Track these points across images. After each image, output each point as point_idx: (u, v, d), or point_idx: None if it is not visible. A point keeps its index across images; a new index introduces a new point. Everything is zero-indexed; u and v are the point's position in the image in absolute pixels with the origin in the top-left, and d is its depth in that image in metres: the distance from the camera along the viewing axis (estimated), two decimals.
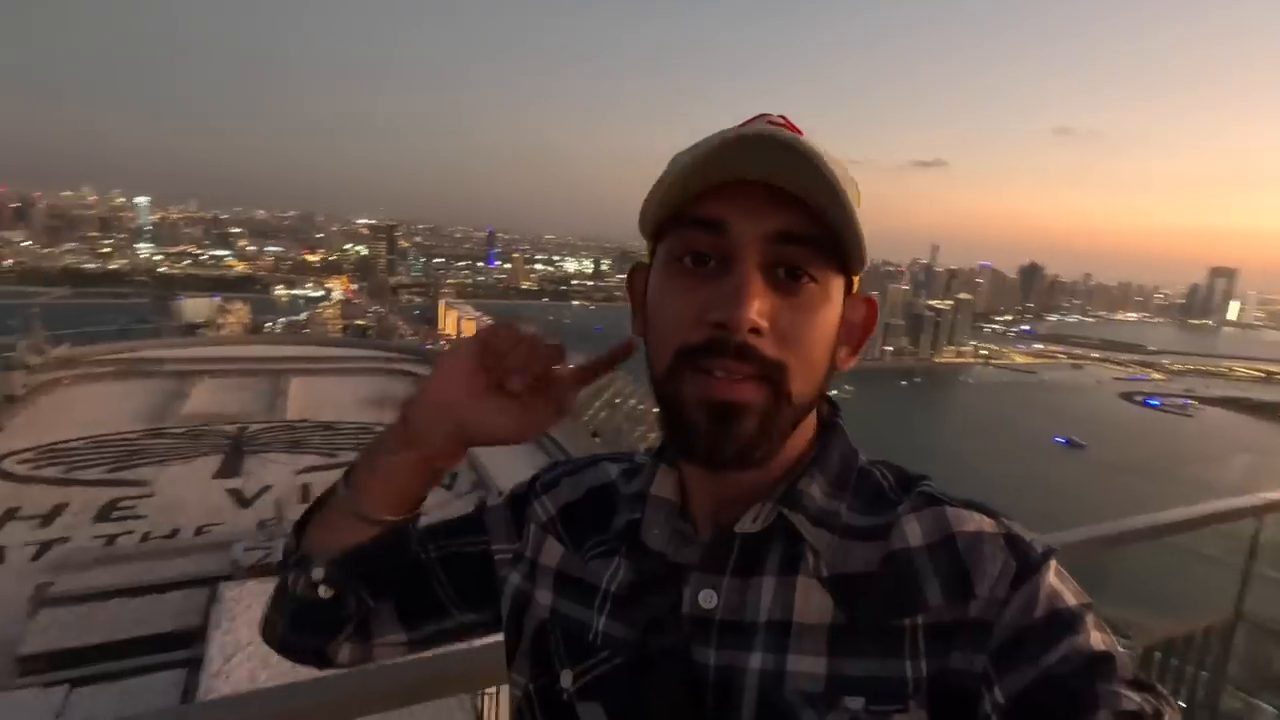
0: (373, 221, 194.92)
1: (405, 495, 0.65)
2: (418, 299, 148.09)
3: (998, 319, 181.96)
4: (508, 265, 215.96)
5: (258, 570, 13.10)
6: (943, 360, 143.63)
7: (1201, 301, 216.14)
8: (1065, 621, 0.49)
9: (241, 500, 17.71)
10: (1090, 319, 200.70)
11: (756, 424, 0.52)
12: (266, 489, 18.80)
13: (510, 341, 0.59)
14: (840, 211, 0.50)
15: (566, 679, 0.60)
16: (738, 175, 0.50)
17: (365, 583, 0.66)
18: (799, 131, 0.53)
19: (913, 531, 0.55)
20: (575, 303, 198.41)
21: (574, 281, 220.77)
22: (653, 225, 0.56)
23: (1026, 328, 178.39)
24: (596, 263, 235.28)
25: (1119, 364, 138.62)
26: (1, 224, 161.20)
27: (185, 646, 10.99)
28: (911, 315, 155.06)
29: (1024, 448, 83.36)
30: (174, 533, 15.38)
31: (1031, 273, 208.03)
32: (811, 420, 0.60)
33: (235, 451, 20.80)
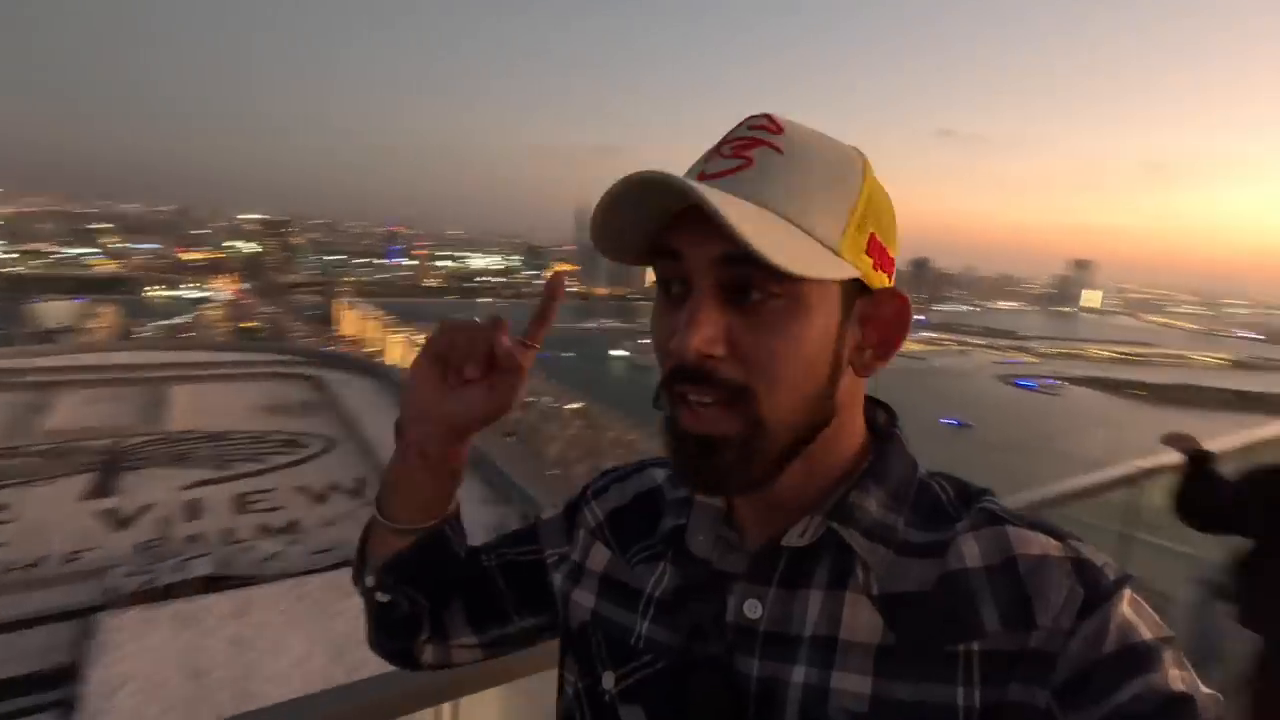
0: (262, 217, 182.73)
1: (426, 500, 0.67)
2: (313, 298, 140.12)
3: None
4: (411, 262, 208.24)
5: (141, 596, 12.02)
6: None
7: (1064, 290, 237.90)
8: (1139, 657, 0.46)
9: (117, 522, 16.17)
10: (973, 308, 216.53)
11: (735, 454, 0.52)
12: (147, 508, 17.27)
13: (450, 335, 0.61)
14: (763, 251, 0.46)
15: (608, 680, 0.61)
16: (681, 203, 0.50)
17: (415, 586, 0.69)
18: (779, 130, 0.52)
19: (970, 551, 0.52)
20: (483, 300, 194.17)
21: (480, 278, 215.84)
22: (628, 254, 0.57)
23: (921, 318, 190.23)
24: (505, 259, 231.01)
25: (997, 349, 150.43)
26: None
27: (54, 688, 9.95)
28: None
29: (918, 430, 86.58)
30: (38, 562, 13.85)
31: (922, 265, 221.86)
32: (848, 432, 0.58)
33: (109, 469, 18.96)
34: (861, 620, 0.52)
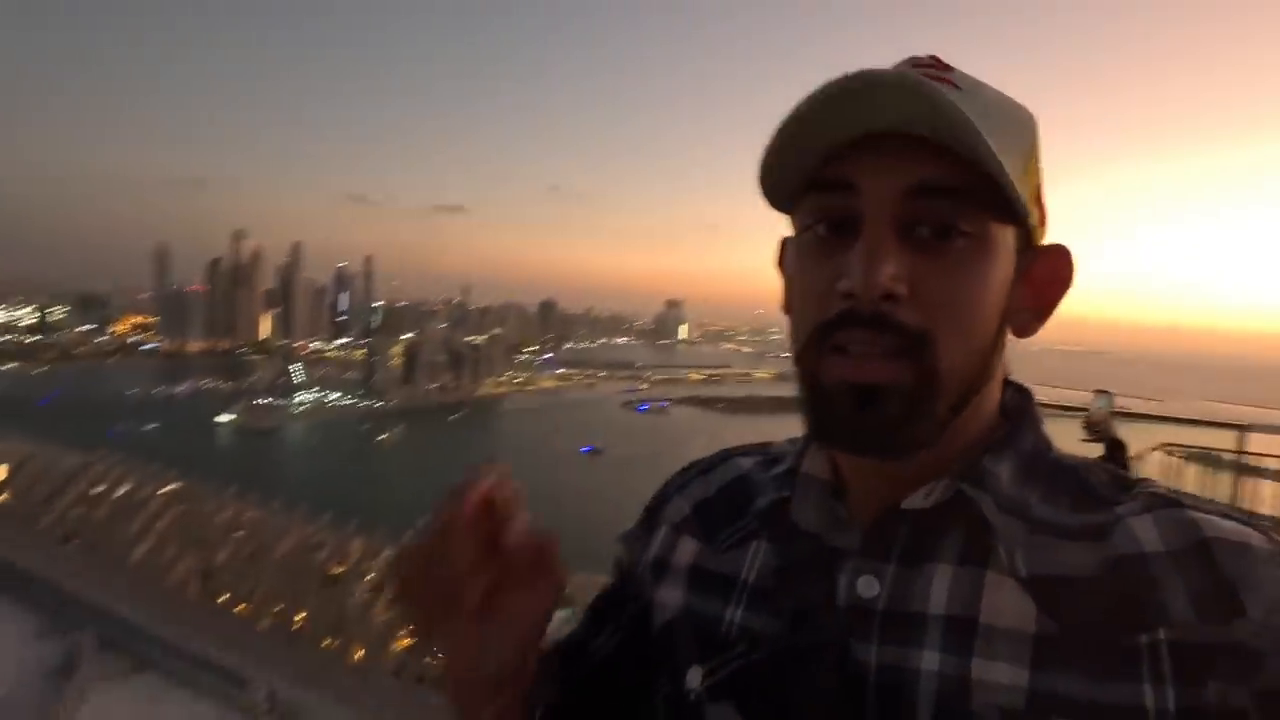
0: None
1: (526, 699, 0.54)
2: None
3: (527, 350, 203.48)
4: None
5: None
6: (485, 392, 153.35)
7: (663, 325, 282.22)
8: None
9: None
10: (594, 345, 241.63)
11: (902, 407, 0.45)
12: None
13: (414, 565, 0.50)
14: (991, 154, 0.42)
15: (694, 677, 0.53)
16: (864, 127, 0.44)
17: None
18: (949, 68, 0.47)
19: (1147, 535, 0.46)
20: (7, 366, 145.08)
21: (4, 337, 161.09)
22: (780, 195, 0.50)
23: (549, 355, 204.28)
24: (42, 312, 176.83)
25: (618, 379, 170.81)
26: None
27: None
28: (452, 351, 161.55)
29: (561, 460, 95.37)
30: None
31: (549, 308, 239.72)
32: (990, 400, 0.52)
33: None
34: (1007, 603, 0.46)
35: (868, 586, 0.49)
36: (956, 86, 0.45)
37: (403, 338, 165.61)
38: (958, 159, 0.43)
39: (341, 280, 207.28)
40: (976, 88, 0.47)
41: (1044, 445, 0.53)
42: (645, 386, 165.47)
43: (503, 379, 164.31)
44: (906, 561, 0.49)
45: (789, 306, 0.53)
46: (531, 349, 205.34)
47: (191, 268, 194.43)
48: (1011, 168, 0.44)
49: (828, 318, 0.46)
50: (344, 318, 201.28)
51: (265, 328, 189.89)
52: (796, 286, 0.50)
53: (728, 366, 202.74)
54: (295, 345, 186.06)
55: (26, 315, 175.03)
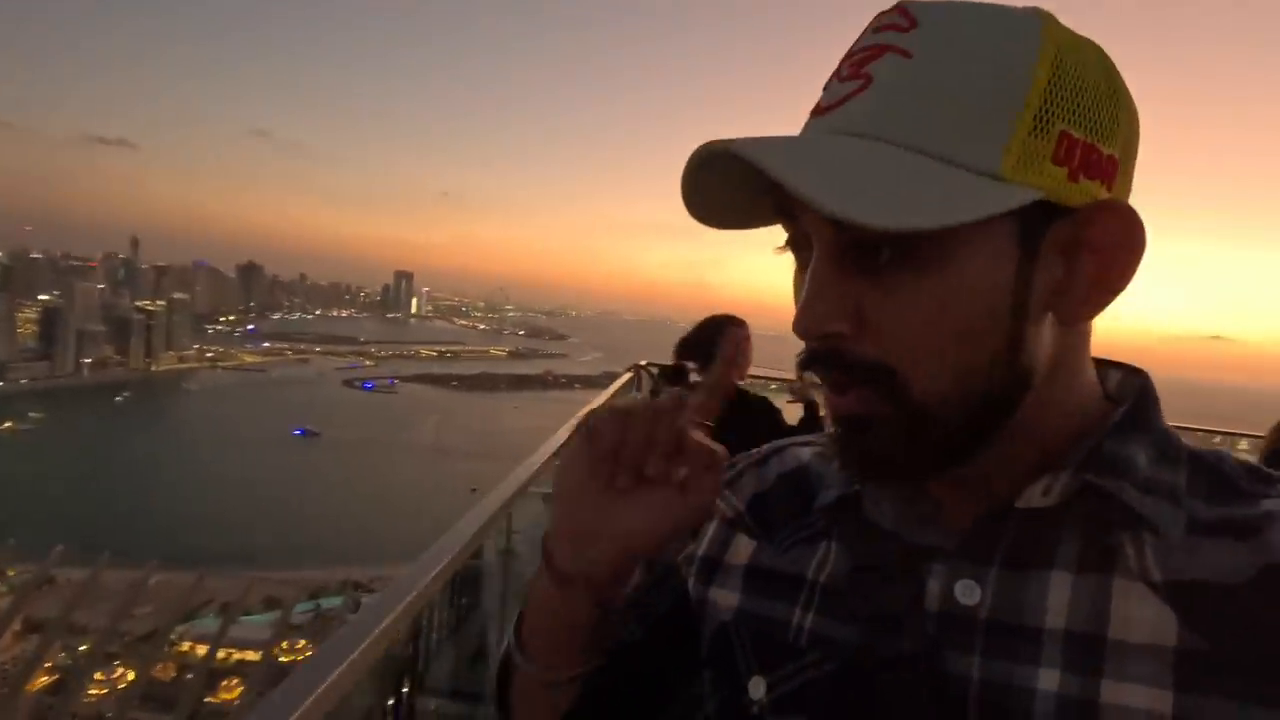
0: None
1: (589, 642, 0.50)
2: None
3: (221, 319, 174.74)
4: None
5: None
6: (163, 368, 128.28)
7: (393, 298, 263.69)
8: None
9: None
10: (309, 316, 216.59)
11: (894, 436, 0.41)
12: None
13: (623, 425, 0.46)
14: (866, 180, 0.38)
15: (757, 688, 0.48)
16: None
17: None
18: (913, 23, 0.40)
19: None
20: None
21: None
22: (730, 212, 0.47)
23: (252, 327, 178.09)
24: None
25: (338, 355, 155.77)
26: None
27: None
28: (116, 319, 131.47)
29: (266, 445, 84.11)
30: None
31: (251, 272, 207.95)
32: (1077, 394, 0.45)
33: None
34: (1141, 614, 0.40)
35: (967, 592, 0.43)
36: (907, 56, 0.39)
37: (40, 299, 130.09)
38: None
39: None
40: (944, 44, 0.39)
41: (1172, 433, 0.46)
42: (371, 364, 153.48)
43: (188, 353, 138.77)
44: (1013, 565, 0.43)
45: None
46: (228, 319, 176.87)
47: None
48: (980, 151, 0.38)
49: (801, 355, 0.44)
50: None
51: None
52: None
53: (462, 343, 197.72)
54: None
55: None
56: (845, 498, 0.51)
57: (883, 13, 0.43)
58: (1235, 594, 0.39)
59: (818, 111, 0.43)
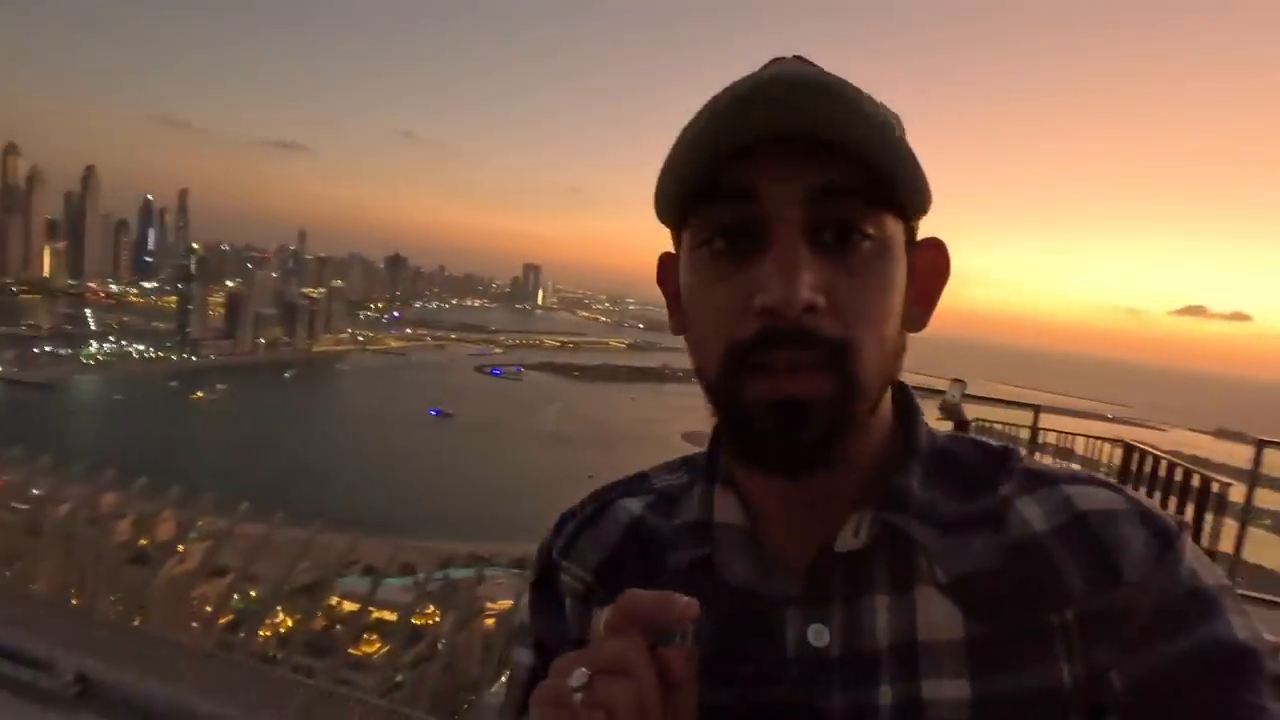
0: None
1: None
2: None
3: (371, 306, 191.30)
4: None
5: None
6: (322, 349, 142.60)
7: (521, 290, 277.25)
8: (1202, 604, 0.44)
9: None
10: (446, 305, 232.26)
11: (829, 418, 0.43)
12: None
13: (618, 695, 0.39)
14: (892, 152, 0.42)
15: None
16: (759, 133, 0.42)
17: None
18: (817, 69, 0.46)
19: (1033, 514, 0.47)
20: None
21: None
22: (671, 207, 0.48)
23: (396, 314, 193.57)
24: None
25: (470, 342, 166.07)
26: None
27: None
28: (285, 304, 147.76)
29: (405, 423, 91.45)
30: None
31: (397, 263, 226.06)
32: (887, 403, 0.50)
33: None
34: (937, 615, 0.46)
35: (818, 635, 0.47)
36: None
37: (225, 285, 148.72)
38: (854, 159, 0.42)
39: (149, 215, 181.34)
40: (844, 83, 0.43)
41: (931, 436, 0.52)
42: (499, 351, 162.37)
43: (343, 336, 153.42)
44: (848, 601, 0.47)
45: (684, 326, 0.50)
46: (377, 306, 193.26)
47: None
48: (911, 163, 0.44)
49: (744, 337, 0.43)
50: (151, 259, 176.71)
51: (46, 264, 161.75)
52: (699, 305, 0.47)
53: (584, 334, 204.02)
54: (89, 287, 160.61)
55: None
56: (696, 561, 0.52)
57: (781, 58, 0.48)
58: (995, 577, 0.45)
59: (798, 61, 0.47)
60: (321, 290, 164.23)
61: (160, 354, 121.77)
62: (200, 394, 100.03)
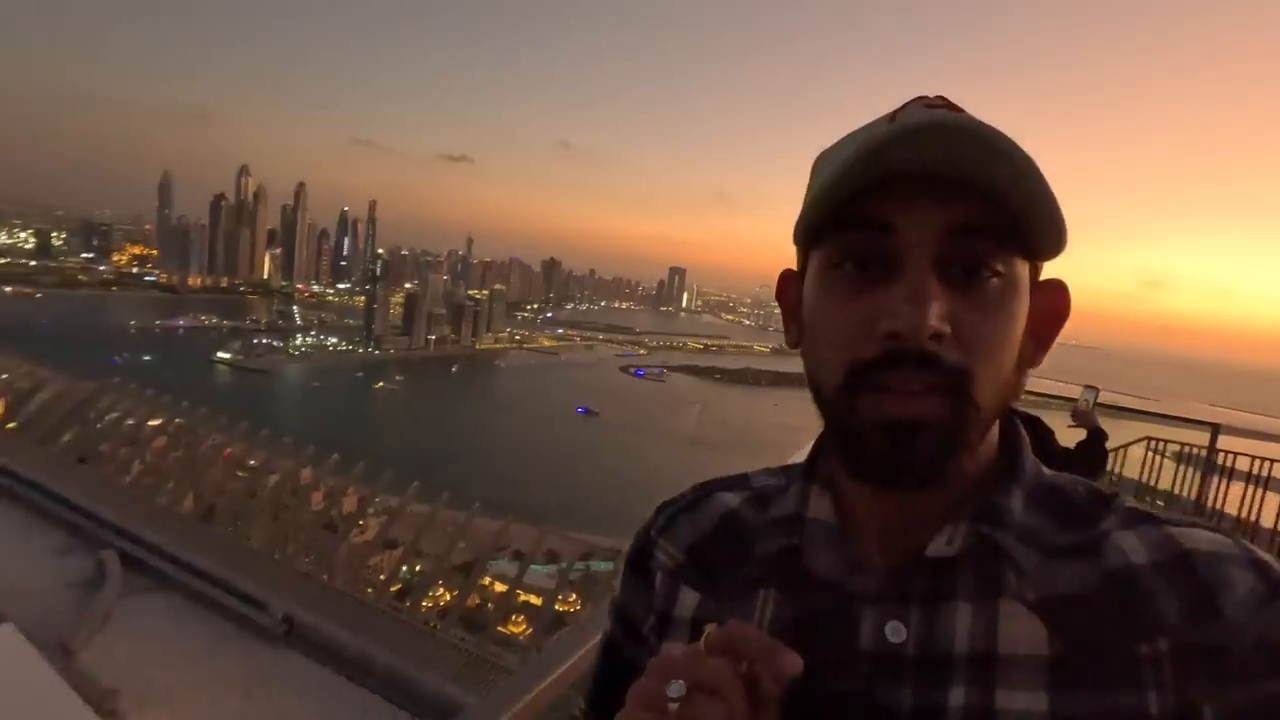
0: None
1: None
2: None
3: (527, 307, 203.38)
4: None
5: None
6: (484, 346, 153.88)
7: (666, 293, 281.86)
8: None
9: None
10: (596, 307, 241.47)
11: (940, 440, 0.45)
12: None
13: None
14: (1027, 195, 0.44)
15: None
16: (901, 169, 0.44)
17: None
18: (961, 111, 0.47)
19: (1133, 548, 0.48)
20: (7, 289, 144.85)
21: (2, 260, 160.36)
22: (805, 230, 0.50)
23: (549, 315, 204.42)
24: (43, 237, 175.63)
25: (617, 343, 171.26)
26: None
27: None
28: (453, 304, 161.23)
29: (555, 418, 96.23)
30: None
31: (551, 267, 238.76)
32: (994, 433, 0.52)
33: None
34: (1021, 630, 0.47)
35: (895, 632, 0.49)
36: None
37: (404, 287, 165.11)
38: (989, 197, 0.44)
39: (345, 224, 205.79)
40: (996, 131, 0.44)
41: (1038, 467, 0.54)
42: (644, 352, 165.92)
43: (502, 335, 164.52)
44: (928, 603, 0.49)
45: (798, 341, 0.53)
46: (532, 307, 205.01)
47: (194, 200, 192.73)
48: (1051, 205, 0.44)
49: (868, 357, 0.45)
50: (345, 263, 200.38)
51: (267, 268, 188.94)
52: (825, 324, 0.49)
53: (727, 338, 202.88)
54: (297, 288, 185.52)
55: (26, 239, 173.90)
56: (785, 550, 0.55)
57: (926, 97, 0.49)
58: (1086, 602, 0.47)
59: (940, 105, 0.47)
60: (484, 292, 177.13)
61: (350, 347, 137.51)
62: (381, 384, 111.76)
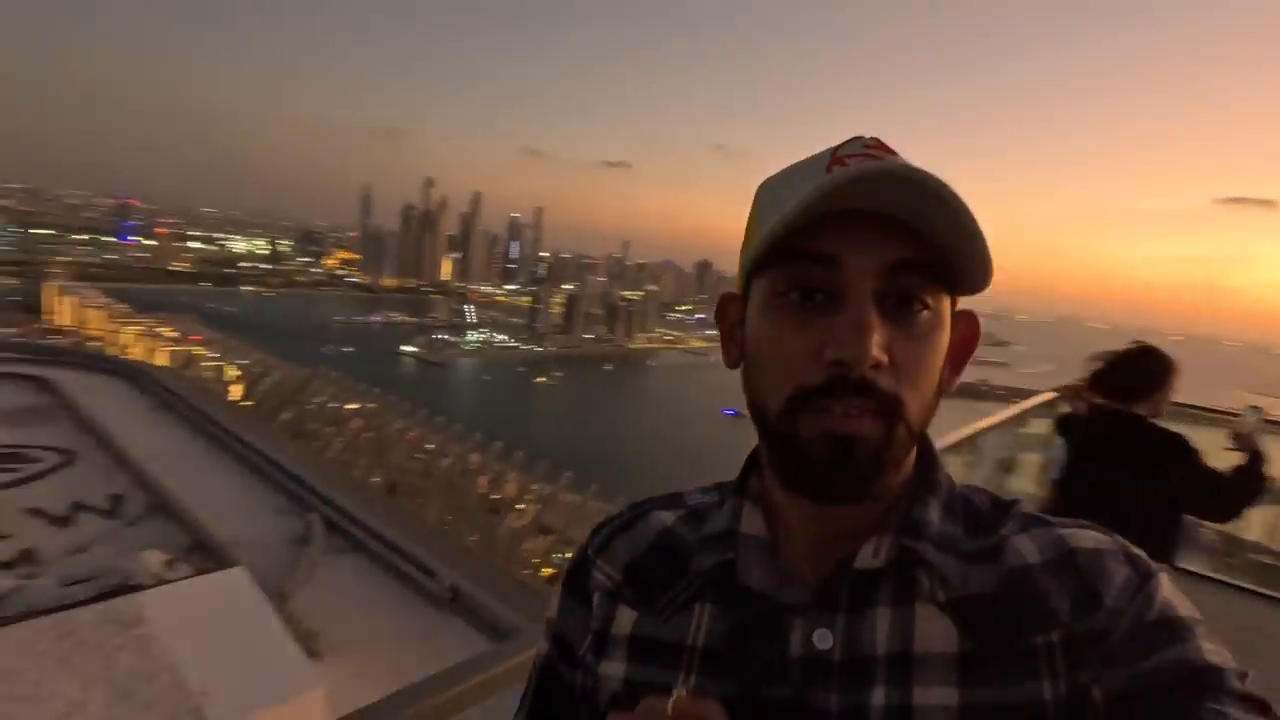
0: None
1: None
2: (10, 281, 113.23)
3: (679, 308, 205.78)
4: (150, 242, 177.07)
5: None
6: (636, 346, 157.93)
7: None
8: (1176, 630, 0.49)
9: None
10: None
11: (874, 456, 0.50)
12: None
13: None
14: (962, 236, 0.48)
15: None
16: (848, 207, 0.48)
17: None
18: (895, 154, 0.52)
19: (1028, 549, 0.54)
20: (246, 288, 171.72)
21: (243, 264, 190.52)
22: (752, 258, 0.53)
23: (700, 316, 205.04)
24: (273, 244, 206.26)
25: None
26: None
27: None
28: (608, 305, 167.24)
29: (702, 419, 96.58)
30: None
31: (704, 268, 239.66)
32: (913, 450, 0.56)
33: None
34: (935, 631, 0.51)
35: (822, 639, 0.52)
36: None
37: (564, 288, 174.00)
38: (923, 238, 0.48)
39: (513, 230, 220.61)
40: (933, 176, 0.48)
41: (950, 481, 0.59)
42: None
43: (654, 335, 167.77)
44: (853, 611, 0.53)
45: (737, 361, 0.57)
46: (684, 308, 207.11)
47: (389, 210, 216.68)
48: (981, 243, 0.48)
49: (813, 383, 0.49)
50: (513, 265, 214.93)
51: (446, 270, 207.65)
52: (770, 349, 0.52)
53: None
54: (470, 288, 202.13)
55: (259, 246, 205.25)
56: (719, 565, 0.58)
57: (863, 138, 0.53)
58: (989, 602, 0.52)
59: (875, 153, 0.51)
60: (638, 293, 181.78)
61: (515, 344, 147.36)
62: (541, 378, 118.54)
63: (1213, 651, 0.48)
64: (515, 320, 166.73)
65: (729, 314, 0.59)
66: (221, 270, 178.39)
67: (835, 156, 0.51)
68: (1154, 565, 0.53)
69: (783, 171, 0.54)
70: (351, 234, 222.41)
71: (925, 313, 0.50)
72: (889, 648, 0.51)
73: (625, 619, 0.61)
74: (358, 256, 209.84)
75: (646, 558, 0.63)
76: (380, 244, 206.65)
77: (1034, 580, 0.52)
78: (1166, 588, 0.52)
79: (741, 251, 0.55)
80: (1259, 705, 0.45)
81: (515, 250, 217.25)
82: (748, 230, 0.55)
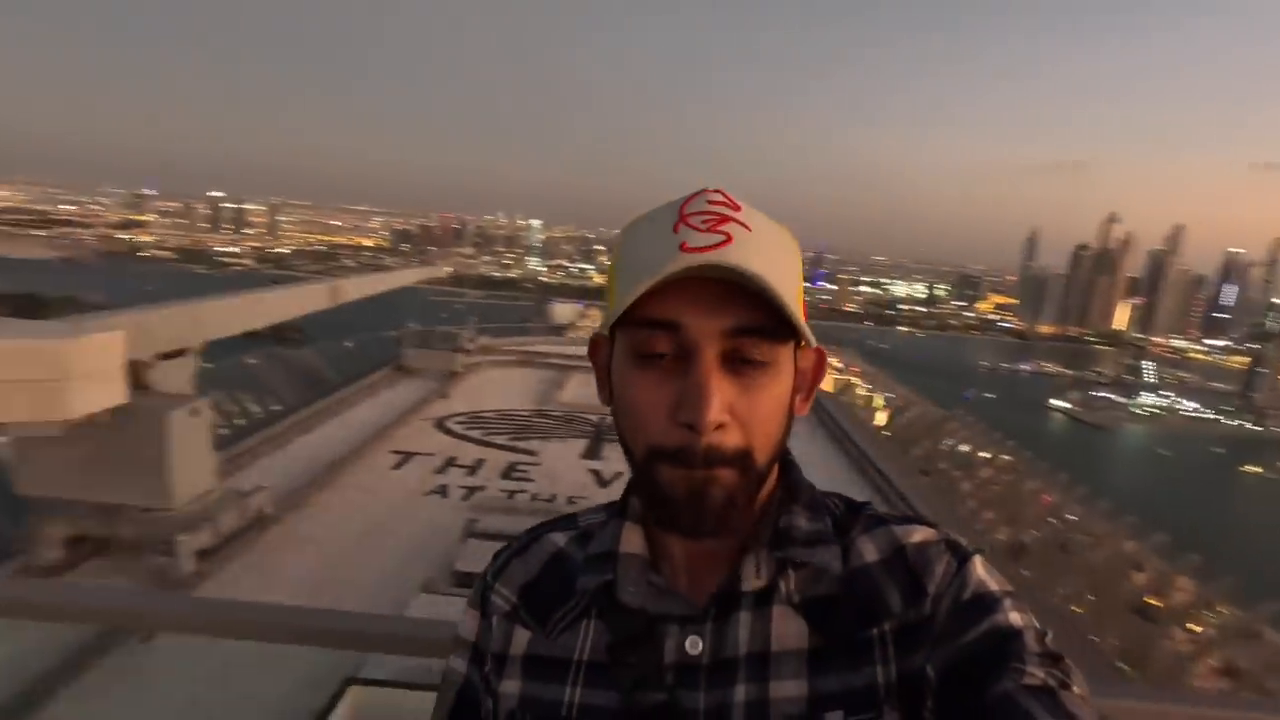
0: None
1: None
2: None
3: None
4: (832, 286, 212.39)
5: None
6: None
7: None
8: (986, 603, 0.56)
9: (600, 480, 20.86)
10: None
11: (728, 500, 0.56)
12: (619, 475, 21.64)
13: None
14: (793, 301, 0.54)
15: None
16: (692, 276, 0.53)
17: None
18: (739, 208, 0.57)
19: (867, 549, 0.61)
20: (901, 329, 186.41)
21: (901, 306, 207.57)
22: (610, 317, 0.58)
23: None
24: (930, 288, 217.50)
25: None
26: (447, 241, 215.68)
27: None
28: None
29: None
30: (552, 498, 18.93)
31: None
32: (775, 467, 0.63)
33: (597, 439, 24.55)
34: (789, 629, 0.59)
35: (693, 645, 0.59)
36: (747, 228, 0.56)
37: None
38: (762, 305, 0.54)
39: (1229, 269, 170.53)
40: (761, 224, 0.57)
41: (811, 486, 0.66)
42: None
43: None
44: (720, 616, 0.60)
45: (609, 401, 0.62)
46: None
47: (1057, 251, 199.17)
48: (793, 299, 0.55)
49: (667, 445, 0.56)
50: (1224, 315, 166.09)
51: (1121, 318, 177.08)
52: (631, 404, 0.58)
53: None
54: (1153, 341, 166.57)
55: (917, 290, 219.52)
56: (601, 585, 0.64)
57: (709, 191, 0.59)
58: (835, 600, 0.60)
59: (687, 249, 0.54)
60: None
61: (1214, 415, 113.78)
62: (1253, 467, 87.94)
63: (1019, 618, 0.55)
64: (1218, 385, 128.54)
65: (599, 355, 0.64)
66: (882, 311, 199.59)
67: (681, 215, 0.56)
68: (970, 548, 0.60)
69: (639, 221, 0.60)
70: (1010, 277, 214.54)
71: (766, 367, 0.56)
72: (750, 648, 0.58)
73: (520, 639, 0.66)
74: (1014, 301, 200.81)
75: (539, 579, 0.69)
76: (1041, 288, 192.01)
77: (872, 578, 0.59)
78: (980, 567, 0.59)
79: (605, 294, 0.60)
80: (1053, 658, 0.52)
81: (1230, 295, 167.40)
82: (609, 273, 0.60)
